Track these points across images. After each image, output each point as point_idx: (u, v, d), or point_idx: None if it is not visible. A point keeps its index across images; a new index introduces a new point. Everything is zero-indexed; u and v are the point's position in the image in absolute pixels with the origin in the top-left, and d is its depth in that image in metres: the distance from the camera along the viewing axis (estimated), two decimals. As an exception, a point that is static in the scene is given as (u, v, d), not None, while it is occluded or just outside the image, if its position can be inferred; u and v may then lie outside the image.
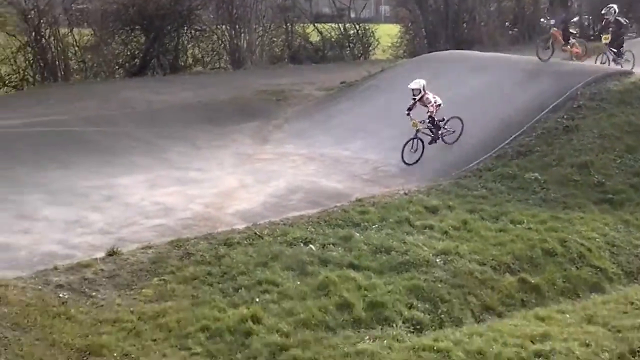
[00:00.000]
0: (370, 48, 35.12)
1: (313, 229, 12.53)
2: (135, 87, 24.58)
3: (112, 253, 11.38)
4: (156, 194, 14.44)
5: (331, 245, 12.02)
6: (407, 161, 15.90)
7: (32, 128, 17.68)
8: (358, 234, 12.39)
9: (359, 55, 34.69)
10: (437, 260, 11.84)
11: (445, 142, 16.43)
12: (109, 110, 20.82)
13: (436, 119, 16.17)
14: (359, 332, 10.16)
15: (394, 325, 10.36)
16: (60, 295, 10.29)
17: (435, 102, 16.00)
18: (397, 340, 9.90)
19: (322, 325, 10.15)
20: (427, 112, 16.02)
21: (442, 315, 10.86)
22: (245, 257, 11.52)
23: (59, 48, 28.07)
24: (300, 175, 15.77)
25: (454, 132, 16.38)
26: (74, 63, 29.15)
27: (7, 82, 27.44)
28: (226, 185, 15.16)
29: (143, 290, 10.66)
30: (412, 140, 15.99)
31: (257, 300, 10.51)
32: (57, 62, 28.16)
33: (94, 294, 10.49)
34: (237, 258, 11.45)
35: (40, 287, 10.36)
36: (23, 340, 9.13)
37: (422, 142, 16.06)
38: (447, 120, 16.36)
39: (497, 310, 11.26)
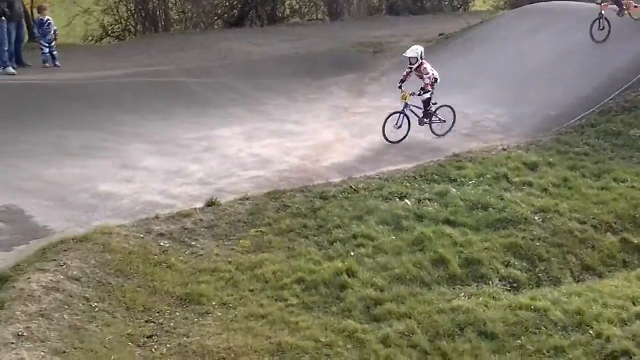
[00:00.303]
0: (470, -1, 34.26)
1: (408, 184, 12.46)
2: (234, 38, 24.73)
3: (210, 203, 11.61)
4: (253, 145, 14.59)
5: (427, 200, 11.93)
6: (389, 138, 14.23)
7: (133, 78, 18.02)
8: (454, 190, 12.25)
9: (458, 6, 33.85)
10: (536, 217, 11.62)
11: (434, 133, 14.74)
12: (208, 61, 21.03)
13: (430, 100, 14.50)
14: (454, 288, 10.11)
15: (490, 282, 10.27)
16: (161, 243, 10.58)
17: (432, 75, 14.28)
18: (493, 297, 9.81)
19: (417, 281, 10.15)
20: (421, 91, 14.34)
21: (540, 274, 10.69)
22: (340, 210, 11.56)
23: (159, -2, 28.50)
24: (396, 128, 15.62)
25: (444, 122, 14.73)
26: (174, 13, 29.58)
27: (109, 32, 28.11)
28: (322, 138, 15.18)
29: (240, 241, 10.86)
30: (397, 115, 14.23)
31: (352, 253, 10.56)
32: (157, 13, 28.61)
33: (193, 243, 10.75)
34: (332, 211, 11.51)
35: (142, 235, 10.67)
36: (126, 287, 9.46)
37: (409, 119, 14.29)
38: (438, 108, 14.65)
39: (597, 270, 11.00)
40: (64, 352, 7.99)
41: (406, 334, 9.15)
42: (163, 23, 28.58)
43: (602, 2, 17.68)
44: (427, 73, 14.18)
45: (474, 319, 9.34)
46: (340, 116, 16.86)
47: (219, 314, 9.21)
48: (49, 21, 19.41)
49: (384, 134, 14.16)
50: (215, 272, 10.06)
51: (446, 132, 14.71)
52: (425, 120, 14.58)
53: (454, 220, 11.39)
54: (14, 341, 8.00)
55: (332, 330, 9.11)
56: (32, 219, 10.98)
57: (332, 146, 14.66)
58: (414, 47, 14.46)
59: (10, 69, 17.42)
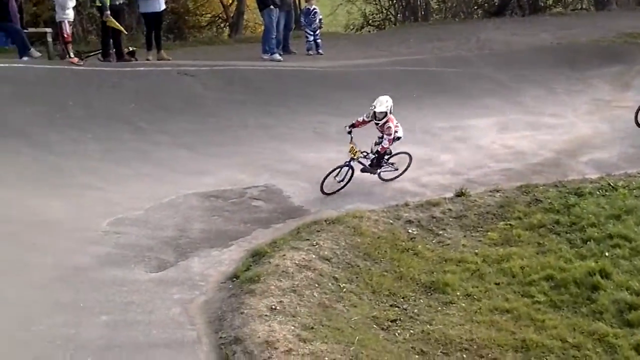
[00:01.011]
0: None
1: (675, 185, 11.59)
2: (493, 28, 24.30)
3: (460, 194, 11.57)
4: (507, 137, 14.30)
5: (695, 203, 11.03)
6: (326, 190, 11.71)
7: (392, 67, 18.33)
8: None
9: None
10: None
11: (381, 178, 12.28)
12: (466, 51, 20.86)
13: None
14: None
15: None
16: (409, 230, 10.73)
17: (395, 135, 11.85)
18: None
19: (678, 289, 9.43)
20: (380, 144, 11.90)
21: None
22: (596, 208, 11.02)
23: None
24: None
25: (397, 170, 12.30)
26: (434, 3, 29.75)
27: (370, 21, 28.93)
28: (580, 132, 14.55)
29: (489, 234, 10.73)
30: (341, 168, 11.82)
31: (607, 254, 10.02)
32: (418, 2, 28.94)
33: (440, 232, 10.79)
34: (587, 209, 11.00)
35: (391, 221, 10.88)
36: (373, 271, 9.70)
37: (353, 170, 11.87)
38: (393, 155, 12.21)
39: None
40: (312, 328, 8.35)
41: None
42: (423, 12, 28.82)
43: None
44: (390, 134, 11.70)
45: None
46: (601, 110, 16.03)
47: (463, 304, 9.17)
48: (315, 10, 20.28)
49: (322, 187, 11.69)
50: (461, 262, 10.02)
51: (395, 178, 12.30)
52: (371, 169, 12.08)
53: None
54: (267, 314, 8.50)
55: (580, 332, 8.73)
56: (289, 199, 11.60)
57: (590, 141, 14.00)
58: (384, 99, 11.79)
59: (277, 56, 18.38)
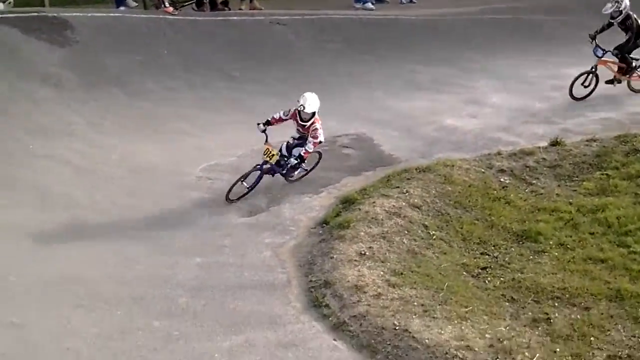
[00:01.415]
0: None
1: None
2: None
3: (555, 143, 11.33)
4: (604, 85, 13.82)
5: None
6: (231, 197, 10.00)
7: (484, 15, 17.89)
8: None
9: None
10: None
11: (287, 179, 10.54)
12: (564, -1, 20.19)
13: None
14: None
15: None
16: (501, 179, 10.58)
17: (319, 140, 10.18)
18: None
19: None
20: (302, 147, 10.17)
21: None
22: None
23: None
24: None
25: (306, 170, 10.68)
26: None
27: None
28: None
29: (584, 183, 10.50)
30: (249, 174, 10.13)
31: None
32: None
33: (533, 181, 10.61)
34: (691, 160, 10.63)
35: (483, 170, 10.75)
36: (463, 219, 9.63)
37: (263, 174, 10.23)
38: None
39: None
40: (401, 273, 8.38)
41: None
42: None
43: (603, 56, 13.47)
44: (316, 137, 10.08)
45: None
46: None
47: (556, 253, 9.02)
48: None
49: (227, 194, 10.01)
50: (554, 212, 9.84)
51: (302, 177, 10.71)
52: (287, 175, 10.49)
53: None
54: (357, 259, 8.57)
55: (678, 283, 8.49)
56: (379, 147, 11.59)
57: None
58: (313, 98, 10.01)
59: (370, 5, 18.15)
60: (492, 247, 9.16)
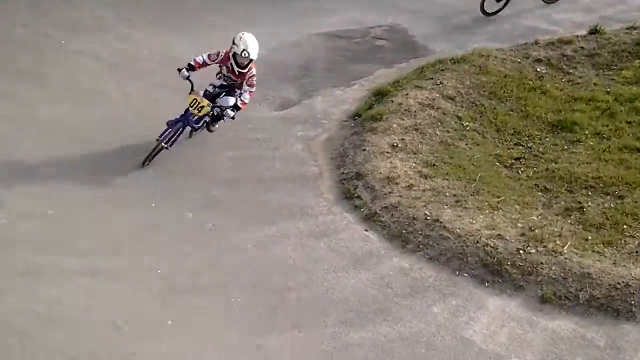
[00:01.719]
0: None
1: None
2: None
3: (594, 31, 11.02)
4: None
5: None
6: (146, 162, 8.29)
7: None
8: None
9: None
10: None
11: (194, 128, 8.54)
12: None
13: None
14: None
15: None
16: (538, 69, 10.37)
17: (254, 86, 8.44)
18: None
19: None
20: (231, 97, 8.37)
21: None
22: None
23: None
24: None
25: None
26: None
27: None
28: None
29: (622, 72, 10.26)
30: (170, 128, 8.26)
31: None
32: None
33: (571, 71, 10.38)
34: None
35: (519, 60, 10.53)
36: (498, 109, 9.50)
37: (185, 128, 8.45)
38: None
39: None
40: (433, 165, 8.36)
41: None
42: None
43: None
44: (253, 85, 8.34)
45: None
46: None
47: (591, 143, 8.90)
48: None
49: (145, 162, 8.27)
50: (591, 101, 9.66)
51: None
52: (212, 126, 8.70)
53: None
54: (389, 151, 8.55)
55: None
56: (413, 39, 11.35)
57: None
58: (253, 40, 8.14)
59: None
60: (526, 138, 9.06)
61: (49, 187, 7.64)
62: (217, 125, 8.64)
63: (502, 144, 8.97)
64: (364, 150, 8.58)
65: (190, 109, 8.15)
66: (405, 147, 8.64)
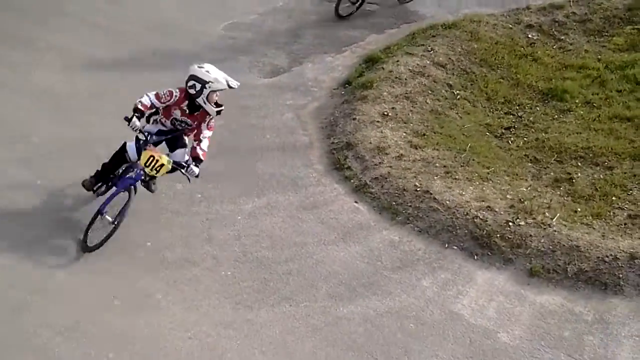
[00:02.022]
0: None
1: None
2: None
3: (590, -4, 10.95)
4: None
5: None
6: (89, 244, 6.59)
7: None
8: None
9: None
10: None
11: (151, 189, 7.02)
12: None
13: None
14: None
15: None
16: (529, 35, 10.32)
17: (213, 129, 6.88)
18: None
19: None
20: (184, 149, 6.84)
21: None
22: None
23: None
24: None
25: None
26: None
27: None
28: None
29: (614, 38, 10.22)
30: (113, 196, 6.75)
31: None
32: None
33: (562, 37, 10.33)
34: None
35: (510, 25, 10.48)
36: (489, 77, 9.47)
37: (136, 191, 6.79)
38: None
39: None
40: (424, 134, 8.34)
41: None
42: None
43: None
44: (212, 127, 6.76)
45: None
46: None
47: (581, 112, 8.89)
48: None
49: (84, 240, 6.66)
50: (582, 69, 9.64)
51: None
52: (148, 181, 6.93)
53: None
54: (379, 120, 8.51)
55: None
56: (405, 3, 11.22)
57: None
58: (218, 71, 6.54)
59: None
60: (517, 107, 9.04)
61: (33, 155, 7.56)
62: (156, 185, 7.01)
63: (493, 113, 8.95)
64: (354, 119, 8.54)
65: (146, 169, 6.53)
66: (395, 116, 8.61)
